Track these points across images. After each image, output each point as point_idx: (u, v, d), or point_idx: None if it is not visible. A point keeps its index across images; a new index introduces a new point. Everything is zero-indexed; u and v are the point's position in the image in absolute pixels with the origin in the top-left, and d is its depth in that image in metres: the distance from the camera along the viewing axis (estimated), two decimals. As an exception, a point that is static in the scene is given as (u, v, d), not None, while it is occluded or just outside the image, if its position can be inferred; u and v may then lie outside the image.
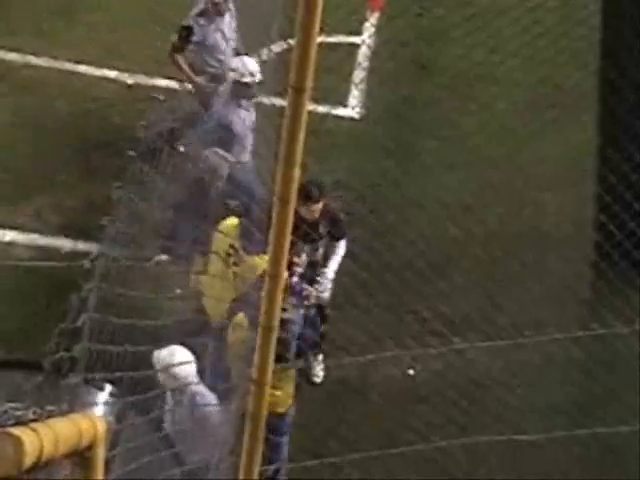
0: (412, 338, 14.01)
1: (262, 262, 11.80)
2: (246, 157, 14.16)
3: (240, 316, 12.20)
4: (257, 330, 6.71)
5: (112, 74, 18.04)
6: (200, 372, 11.53)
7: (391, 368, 14.23)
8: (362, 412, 13.91)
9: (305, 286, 12.93)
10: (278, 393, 11.85)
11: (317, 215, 13.26)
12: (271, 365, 6.81)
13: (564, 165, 17.68)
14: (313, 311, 13.21)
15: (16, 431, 4.17)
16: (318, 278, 13.50)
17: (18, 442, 4.12)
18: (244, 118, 14.14)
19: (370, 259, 14.09)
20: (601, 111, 17.54)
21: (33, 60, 18.21)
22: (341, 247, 13.75)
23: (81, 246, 15.03)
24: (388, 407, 14.07)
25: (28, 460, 4.15)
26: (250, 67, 14.09)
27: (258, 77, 14.01)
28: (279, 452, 12.51)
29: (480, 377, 14.27)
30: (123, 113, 17.28)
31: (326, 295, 13.69)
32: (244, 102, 14.20)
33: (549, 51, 18.74)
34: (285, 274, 6.69)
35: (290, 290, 12.17)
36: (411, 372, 14.39)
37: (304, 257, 12.96)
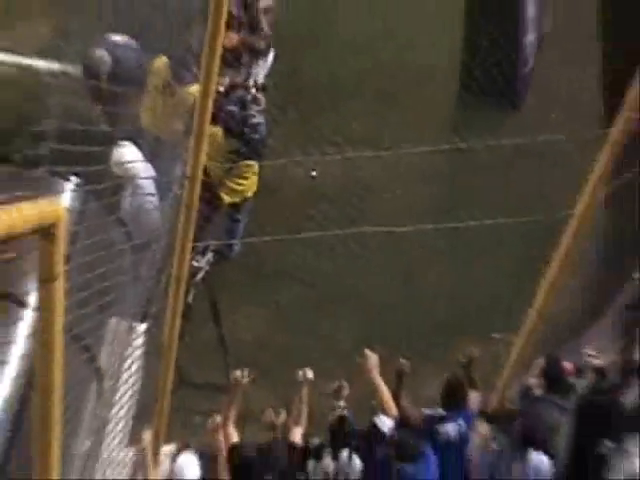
0: (315, 147, 14.97)
1: (194, 91, 11.93)
2: None
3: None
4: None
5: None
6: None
7: (298, 170, 15.25)
8: (274, 205, 14.96)
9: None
10: (246, 182, 13.49)
11: (235, 43, 14.17)
12: (202, 163, 8.04)
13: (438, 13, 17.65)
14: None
15: None
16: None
17: None
18: None
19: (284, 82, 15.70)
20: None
21: None
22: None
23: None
24: (295, 201, 15.31)
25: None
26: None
27: None
28: (237, 231, 13.74)
29: (367, 181, 15.52)
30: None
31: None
32: None
33: None
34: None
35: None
36: (313, 174, 15.45)
37: (227, 79, 13.68)
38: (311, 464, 10.82)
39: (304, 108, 16.35)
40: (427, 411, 11.20)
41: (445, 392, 11.20)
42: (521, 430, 10.92)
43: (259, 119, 13.70)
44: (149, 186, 12.52)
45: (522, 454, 10.82)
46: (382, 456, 10.74)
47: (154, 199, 12.56)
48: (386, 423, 10.88)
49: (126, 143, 12.56)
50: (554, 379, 11.30)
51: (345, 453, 10.79)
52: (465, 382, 11.34)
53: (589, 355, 12.01)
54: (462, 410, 11.14)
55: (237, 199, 13.47)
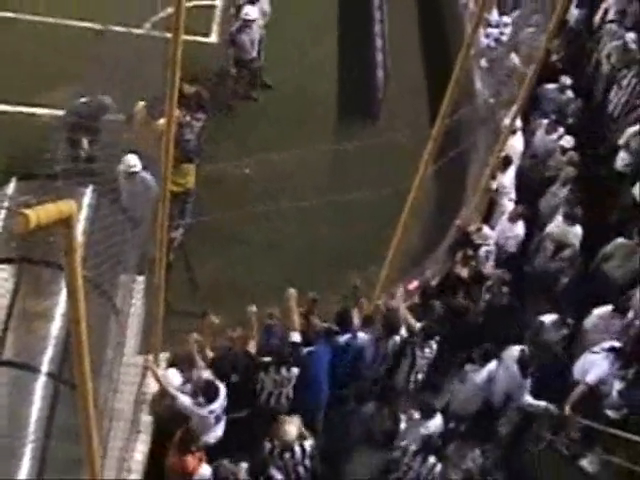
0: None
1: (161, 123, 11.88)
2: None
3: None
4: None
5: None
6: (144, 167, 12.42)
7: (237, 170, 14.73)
8: (220, 195, 14.43)
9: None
10: (188, 177, 13.27)
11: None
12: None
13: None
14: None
15: (26, 211, 4.41)
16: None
17: (26, 217, 4.41)
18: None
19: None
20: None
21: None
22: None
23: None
24: (240, 192, 14.72)
25: (33, 224, 4.45)
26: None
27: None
28: (185, 213, 13.34)
29: (284, 173, 14.87)
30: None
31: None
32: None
33: None
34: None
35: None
36: (247, 172, 14.87)
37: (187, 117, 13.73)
38: (261, 375, 10.81)
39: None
40: (326, 325, 11.34)
41: (338, 317, 11.30)
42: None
43: (190, 137, 13.59)
44: (145, 179, 12.43)
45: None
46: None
47: (151, 186, 12.28)
48: (296, 336, 11.03)
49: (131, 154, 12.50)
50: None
51: (284, 368, 10.84)
52: (350, 310, 11.41)
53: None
54: (349, 327, 11.26)
55: (182, 189, 13.04)
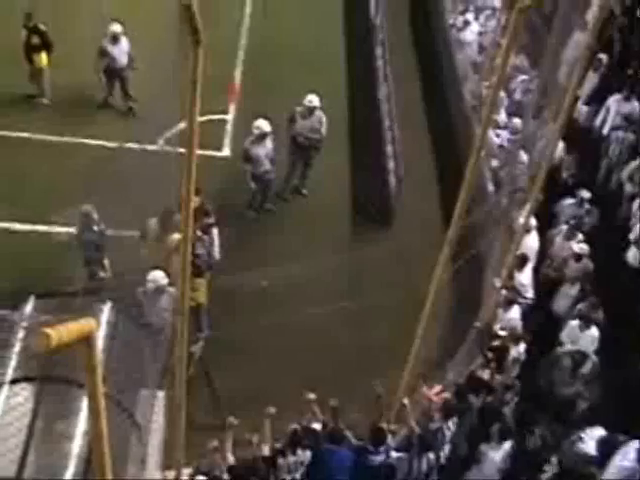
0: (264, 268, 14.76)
1: (174, 237, 12.71)
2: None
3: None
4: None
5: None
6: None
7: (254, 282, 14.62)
8: (237, 306, 14.32)
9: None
10: (198, 292, 13.22)
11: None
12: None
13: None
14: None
15: (47, 330, 4.42)
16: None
17: (48, 336, 4.41)
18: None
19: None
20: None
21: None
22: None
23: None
24: (256, 302, 14.58)
25: (54, 343, 4.44)
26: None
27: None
28: (201, 326, 13.41)
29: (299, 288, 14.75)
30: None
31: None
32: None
33: None
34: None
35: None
36: (264, 284, 14.75)
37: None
38: (280, 461, 10.81)
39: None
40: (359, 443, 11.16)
41: (373, 436, 11.01)
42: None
43: (200, 251, 13.51)
44: (172, 294, 12.46)
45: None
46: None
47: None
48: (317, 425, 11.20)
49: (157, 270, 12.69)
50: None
51: (299, 450, 10.87)
52: (383, 426, 11.18)
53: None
54: (384, 444, 11.02)
55: (193, 304, 12.61)
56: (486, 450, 11.18)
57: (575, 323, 12.99)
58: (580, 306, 13.30)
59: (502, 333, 12.77)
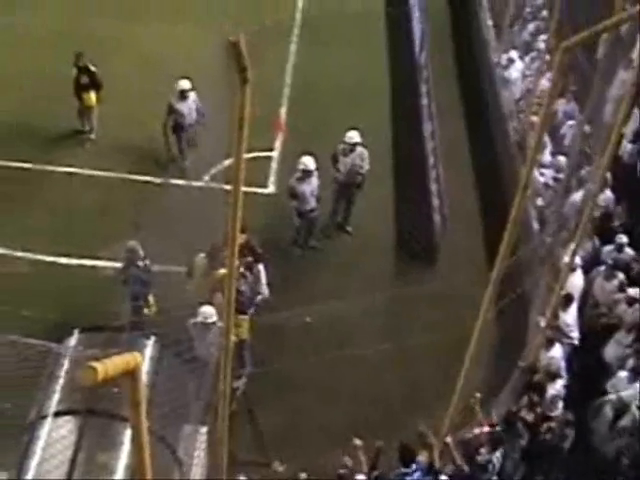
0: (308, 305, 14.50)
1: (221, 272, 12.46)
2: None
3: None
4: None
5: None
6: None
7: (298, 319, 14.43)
8: (281, 343, 14.44)
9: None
10: (241, 329, 13.11)
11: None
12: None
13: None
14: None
15: (94, 363, 4.50)
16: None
17: (94, 369, 4.48)
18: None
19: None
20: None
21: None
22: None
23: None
24: (300, 340, 14.66)
25: (100, 376, 4.51)
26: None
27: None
28: (244, 362, 13.28)
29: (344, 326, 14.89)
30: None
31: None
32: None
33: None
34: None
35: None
36: (308, 320, 14.67)
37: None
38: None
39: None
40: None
41: (400, 455, 10.98)
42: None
43: (243, 288, 13.33)
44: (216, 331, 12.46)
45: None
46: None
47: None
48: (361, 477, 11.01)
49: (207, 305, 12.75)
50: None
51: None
52: (412, 447, 11.08)
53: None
54: (415, 464, 10.94)
55: (236, 340, 12.50)
56: None
57: (624, 374, 12.75)
58: (633, 358, 13.03)
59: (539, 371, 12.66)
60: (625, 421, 12.24)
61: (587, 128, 15.68)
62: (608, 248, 14.97)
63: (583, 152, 15.91)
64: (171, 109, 17.69)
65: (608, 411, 12.40)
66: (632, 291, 13.95)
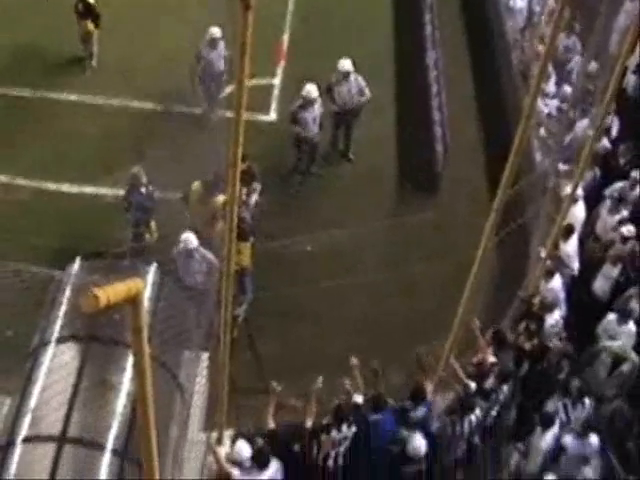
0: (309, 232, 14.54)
1: (219, 200, 13.18)
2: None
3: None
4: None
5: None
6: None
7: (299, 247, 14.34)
8: (281, 272, 14.38)
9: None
10: (242, 256, 12.84)
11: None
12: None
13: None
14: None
15: (96, 290, 4.45)
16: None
17: (96, 296, 4.43)
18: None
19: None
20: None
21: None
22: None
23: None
24: (300, 267, 14.64)
25: (102, 303, 4.48)
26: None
27: None
28: (245, 289, 13.15)
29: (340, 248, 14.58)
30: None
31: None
32: None
33: None
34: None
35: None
36: (309, 248, 14.56)
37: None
38: (323, 437, 10.85)
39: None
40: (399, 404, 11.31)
41: (412, 394, 11.21)
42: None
43: (244, 214, 13.32)
44: (205, 255, 12.74)
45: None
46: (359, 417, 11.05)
47: (213, 262, 12.58)
48: (359, 398, 11.15)
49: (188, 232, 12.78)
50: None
51: (345, 425, 10.92)
52: (423, 385, 11.31)
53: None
54: (424, 401, 11.19)
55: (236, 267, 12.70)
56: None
57: (613, 317, 12.72)
58: (619, 299, 13.05)
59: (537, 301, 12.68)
60: (625, 367, 12.36)
61: (592, 65, 15.48)
62: (619, 184, 14.73)
63: (586, 89, 15.76)
64: (200, 57, 17.05)
65: (605, 358, 12.47)
66: (625, 229, 13.84)
